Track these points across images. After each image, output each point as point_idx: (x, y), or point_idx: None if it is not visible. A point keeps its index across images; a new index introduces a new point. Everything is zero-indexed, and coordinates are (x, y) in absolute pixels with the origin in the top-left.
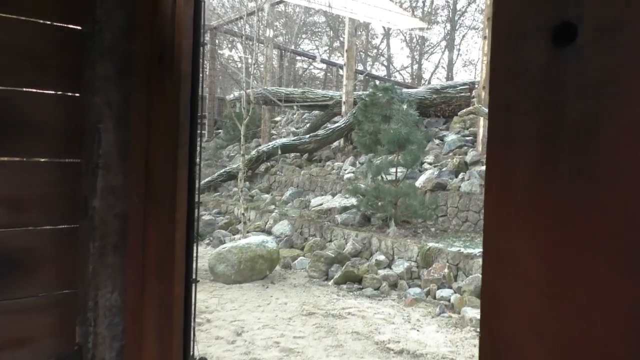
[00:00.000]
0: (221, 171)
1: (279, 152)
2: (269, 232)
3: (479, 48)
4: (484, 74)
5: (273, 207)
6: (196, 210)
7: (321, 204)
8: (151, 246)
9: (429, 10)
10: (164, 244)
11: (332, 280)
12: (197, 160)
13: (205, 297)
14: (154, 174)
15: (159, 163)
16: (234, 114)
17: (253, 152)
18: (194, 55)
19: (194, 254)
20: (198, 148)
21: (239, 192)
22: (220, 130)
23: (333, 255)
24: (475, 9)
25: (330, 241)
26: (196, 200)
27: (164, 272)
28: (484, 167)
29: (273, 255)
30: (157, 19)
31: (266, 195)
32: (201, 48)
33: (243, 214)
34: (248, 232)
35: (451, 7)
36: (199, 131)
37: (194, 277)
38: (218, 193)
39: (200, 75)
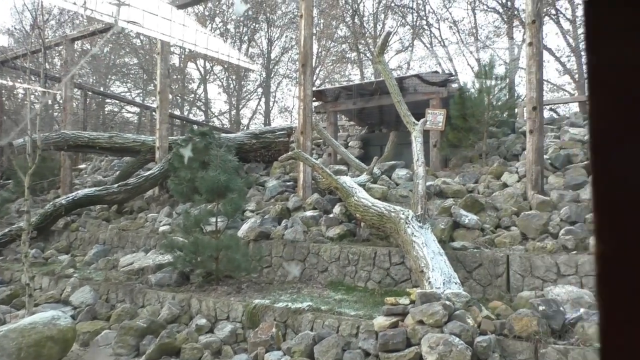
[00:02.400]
0: (5, 230)
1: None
2: (66, 303)
3: (294, 95)
4: (301, 119)
5: (72, 270)
6: None
7: (132, 263)
8: None
9: (245, 56)
10: None
11: (144, 357)
12: None
13: None
14: None
15: None
16: (15, 162)
17: (48, 206)
18: None
19: None
20: None
21: (23, 257)
22: (10, 181)
23: (145, 325)
24: (289, 58)
25: (143, 307)
26: None
27: None
28: (306, 213)
29: (67, 334)
30: None
31: (65, 257)
32: None
33: (28, 284)
34: (37, 304)
35: (266, 56)
36: None
37: None
38: (2, 257)
39: None
